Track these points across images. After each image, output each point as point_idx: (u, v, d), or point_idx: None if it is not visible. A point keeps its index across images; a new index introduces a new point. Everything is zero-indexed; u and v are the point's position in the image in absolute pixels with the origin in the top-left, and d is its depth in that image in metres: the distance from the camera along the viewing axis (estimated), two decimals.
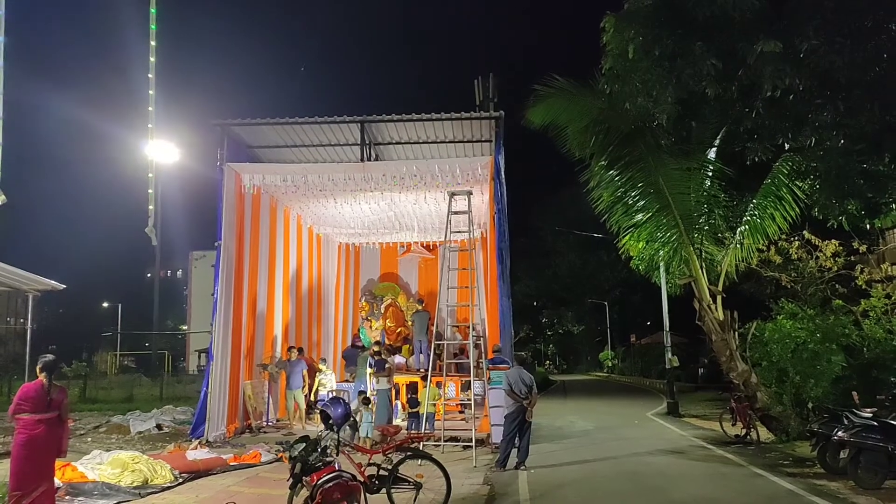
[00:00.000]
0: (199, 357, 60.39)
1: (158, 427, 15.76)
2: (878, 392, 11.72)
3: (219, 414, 13.93)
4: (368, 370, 15.87)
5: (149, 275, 71.89)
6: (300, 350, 17.09)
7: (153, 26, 20.79)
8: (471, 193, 14.55)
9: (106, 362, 44.00)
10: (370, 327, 20.49)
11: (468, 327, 14.19)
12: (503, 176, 14.79)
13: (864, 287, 16.71)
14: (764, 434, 14.24)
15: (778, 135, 11.23)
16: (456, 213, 14.52)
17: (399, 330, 20.32)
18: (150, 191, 21.72)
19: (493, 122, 14.92)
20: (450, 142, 16.21)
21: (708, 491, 9.75)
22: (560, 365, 78.94)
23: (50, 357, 7.31)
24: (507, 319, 14.41)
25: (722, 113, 12.00)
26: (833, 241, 17.01)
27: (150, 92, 21.87)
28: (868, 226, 12.48)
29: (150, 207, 21.44)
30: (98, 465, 9.79)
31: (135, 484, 9.37)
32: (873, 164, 10.88)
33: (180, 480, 9.99)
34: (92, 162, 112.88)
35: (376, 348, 16.24)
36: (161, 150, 24.54)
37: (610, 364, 59.39)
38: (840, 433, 9.79)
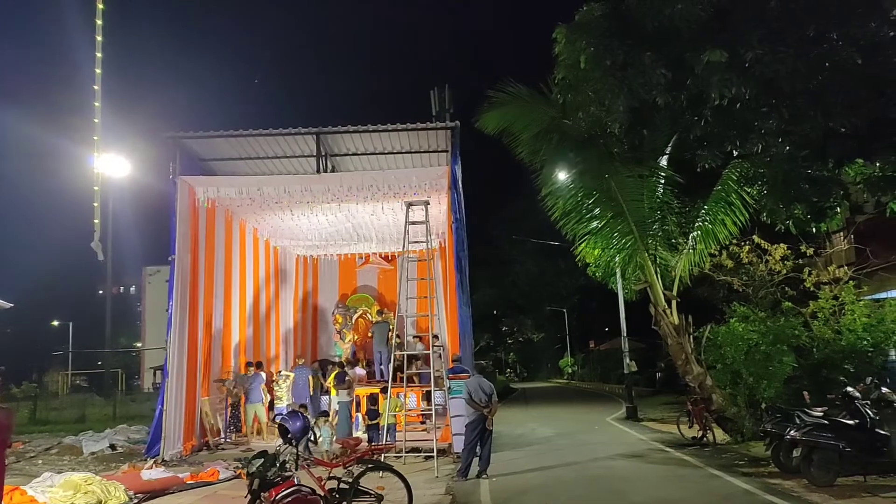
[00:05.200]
0: (154, 374, 58.99)
1: (112, 447, 15.36)
2: (829, 391, 11.99)
3: (175, 432, 13.66)
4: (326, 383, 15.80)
5: (101, 291, 70.14)
6: (259, 364, 16.92)
7: (99, 37, 20.28)
8: (428, 203, 14.58)
9: (57, 382, 42.72)
10: (342, 340, 20.36)
11: (430, 337, 14.18)
12: (460, 185, 14.85)
13: (812, 289, 17.12)
14: (720, 435, 14.51)
15: (726, 142, 11.45)
16: (413, 223, 14.53)
17: (365, 342, 20.26)
18: (95, 204, 21.10)
19: (450, 133, 14.99)
20: (406, 152, 16.22)
21: (666, 493, 9.91)
22: (521, 373, 79.26)
23: None
24: (466, 328, 14.44)
25: (672, 121, 12.21)
26: (781, 244, 17.40)
27: (96, 104, 21.26)
28: (814, 229, 12.78)
29: (96, 221, 20.81)
30: (49, 487, 9.50)
31: None
32: (818, 169, 11.18)
33: (135, 501, 9.80)
34: (39, 176, 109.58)
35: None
36: (111, 164, 24.07)
37: (570, 370, 59.85)
38: (792, 432, 10.02)
